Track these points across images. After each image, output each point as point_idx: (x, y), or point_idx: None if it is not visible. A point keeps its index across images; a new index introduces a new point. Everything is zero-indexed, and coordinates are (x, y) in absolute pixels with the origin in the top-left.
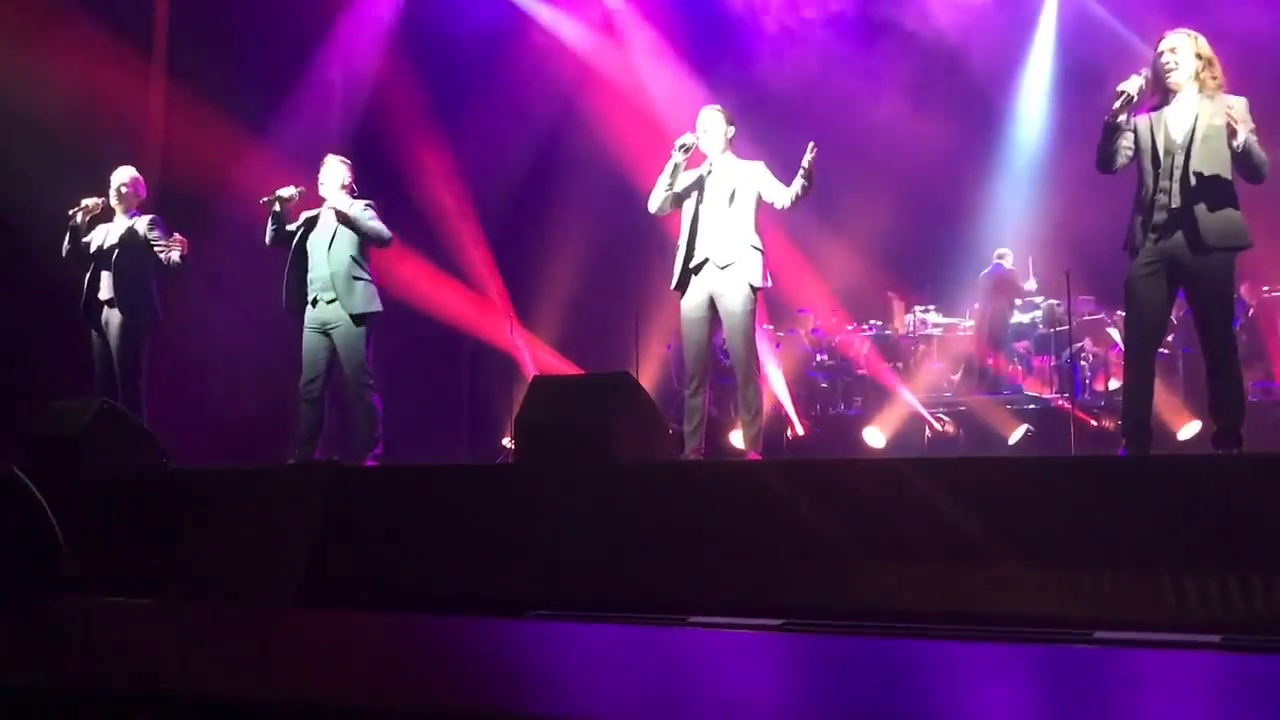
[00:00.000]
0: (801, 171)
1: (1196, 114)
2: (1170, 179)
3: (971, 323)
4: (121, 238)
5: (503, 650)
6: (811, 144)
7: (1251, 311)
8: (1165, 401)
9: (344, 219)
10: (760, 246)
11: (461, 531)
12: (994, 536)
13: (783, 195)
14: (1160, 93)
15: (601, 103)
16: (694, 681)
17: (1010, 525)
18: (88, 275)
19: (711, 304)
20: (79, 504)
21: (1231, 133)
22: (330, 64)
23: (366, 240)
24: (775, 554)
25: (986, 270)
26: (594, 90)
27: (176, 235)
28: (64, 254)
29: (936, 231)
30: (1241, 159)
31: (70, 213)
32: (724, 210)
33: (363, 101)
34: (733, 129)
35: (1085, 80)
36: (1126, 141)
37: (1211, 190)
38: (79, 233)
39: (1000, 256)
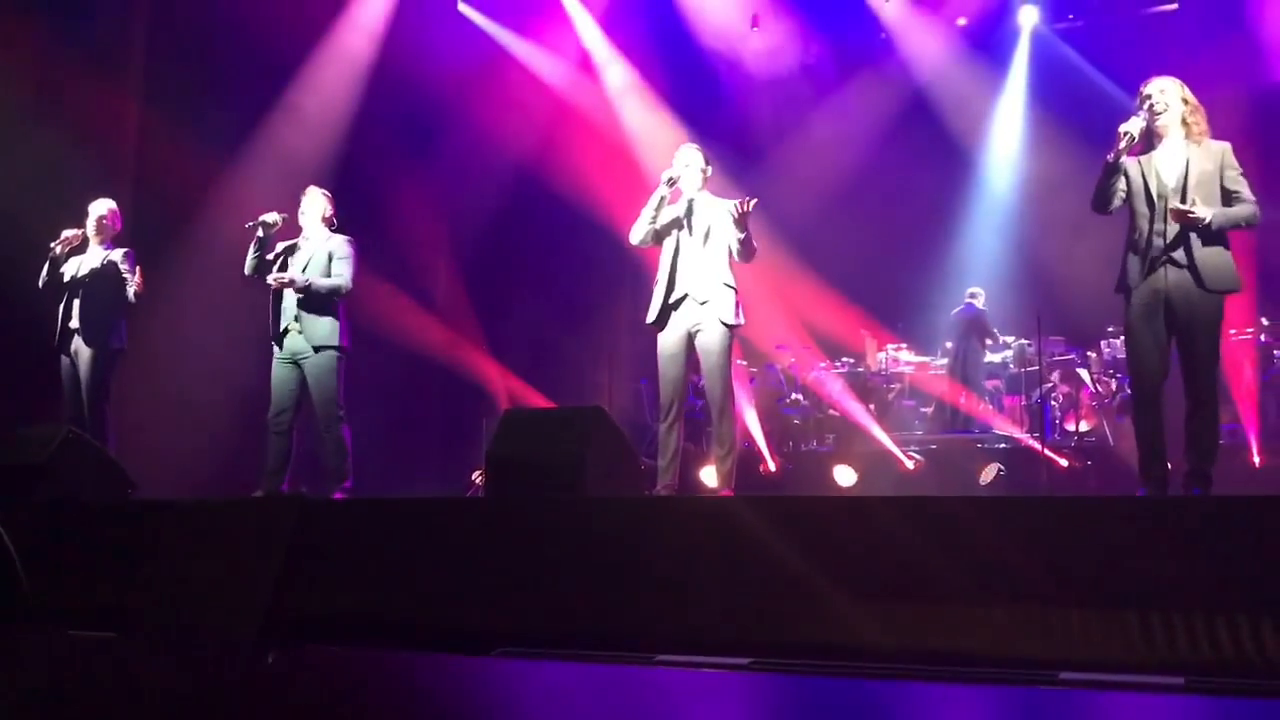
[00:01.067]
0: (734, 220)
1: (1187, 159)
2: (1165, 222)
3: (944, 361)
4: (94, 269)
5: (469, 688)
6: (751, 199)
7: None
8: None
9: (304, 289)
10: (733, 284)
11: (429, 566)
12: (963, 576)
13: (735, 248)
14: (1146, 137)
15: (577, 139)
16: None
17: (979, 565)
18: (61, 304)
19: (689, 340)
20: (41, 534)
21: (1196, 220)
22: (307, 94)
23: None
24: (745, 591)
25: (958, 309)
26: (570, 126)
27: (137, 270)
28: (41, 285)
29: (910, 271)
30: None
31: (51, 245)
32: (700, 248)
33: (339, 132)
34: (710, 168)
35: (1057, 125)
36: (1122, 183)
37: (1205, 234)
38: (58, 264)
39: (972, 296)
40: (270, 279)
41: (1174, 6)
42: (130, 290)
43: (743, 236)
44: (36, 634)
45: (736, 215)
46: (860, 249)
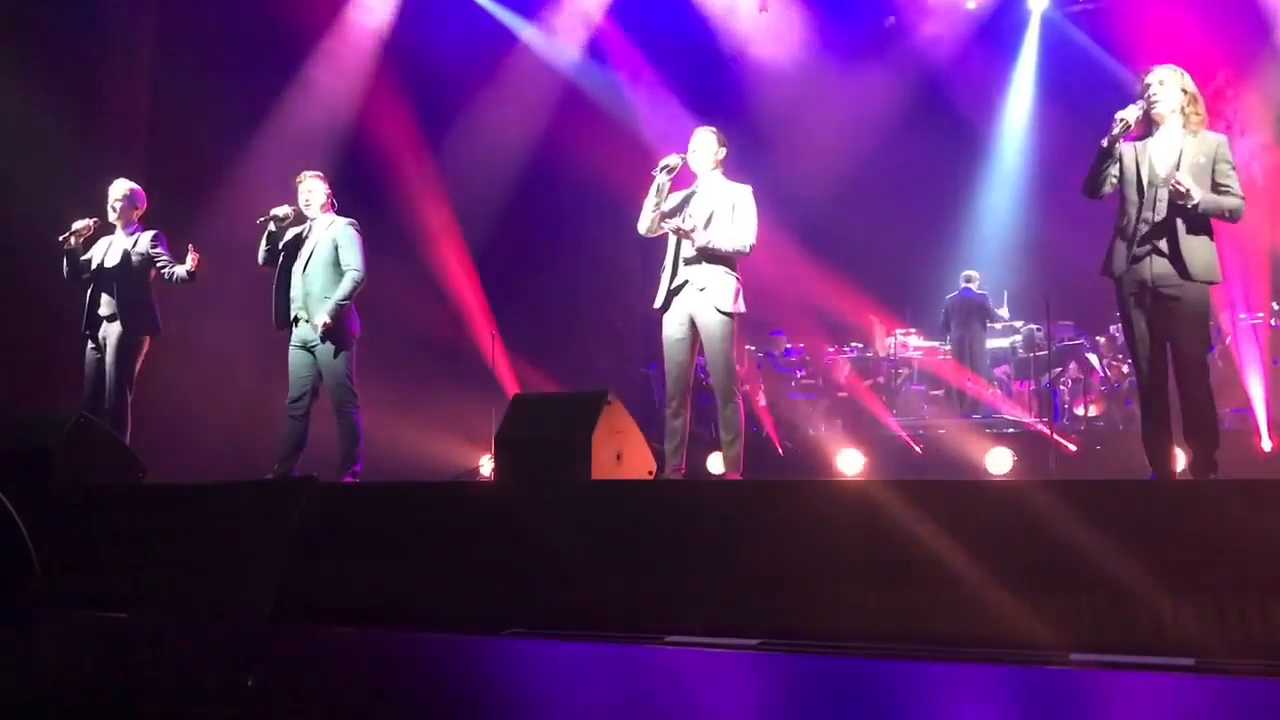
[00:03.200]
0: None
1: (1181, 149)
2: (1153, 210)
3: (948, 346)
4: (123, 254)
5: (479, 668)
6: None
7: (1228, 339)
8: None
9: (336, 315)
10: (734, 272)
11: (439, 548)
12: (972, 559)
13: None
14: (1144, 124)
15: (585, 123)
16: (670, 701)
17: (987, 548)
18: (89, 292)
19: (693, 325)
20: (53, 517)
21: (1184, 195)
22: (317, 78)
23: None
24: (753, 573)
25: (954, 294)
26: (578, 110)
27: (191, 248)
28: (65, 277)
29: (918, 256)
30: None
31: (60, 239)
32: (701, 233)
33: (349, 116)
34: (724, 150)
35: (1067, 109)
36: (1114, 169)
37: (1192, 224)
38: (75, 255)
39: (968, 280)
40: (317, 330)
41: None
42: (182, 269)
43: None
44: (49, 616)
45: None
46: (869, 234)
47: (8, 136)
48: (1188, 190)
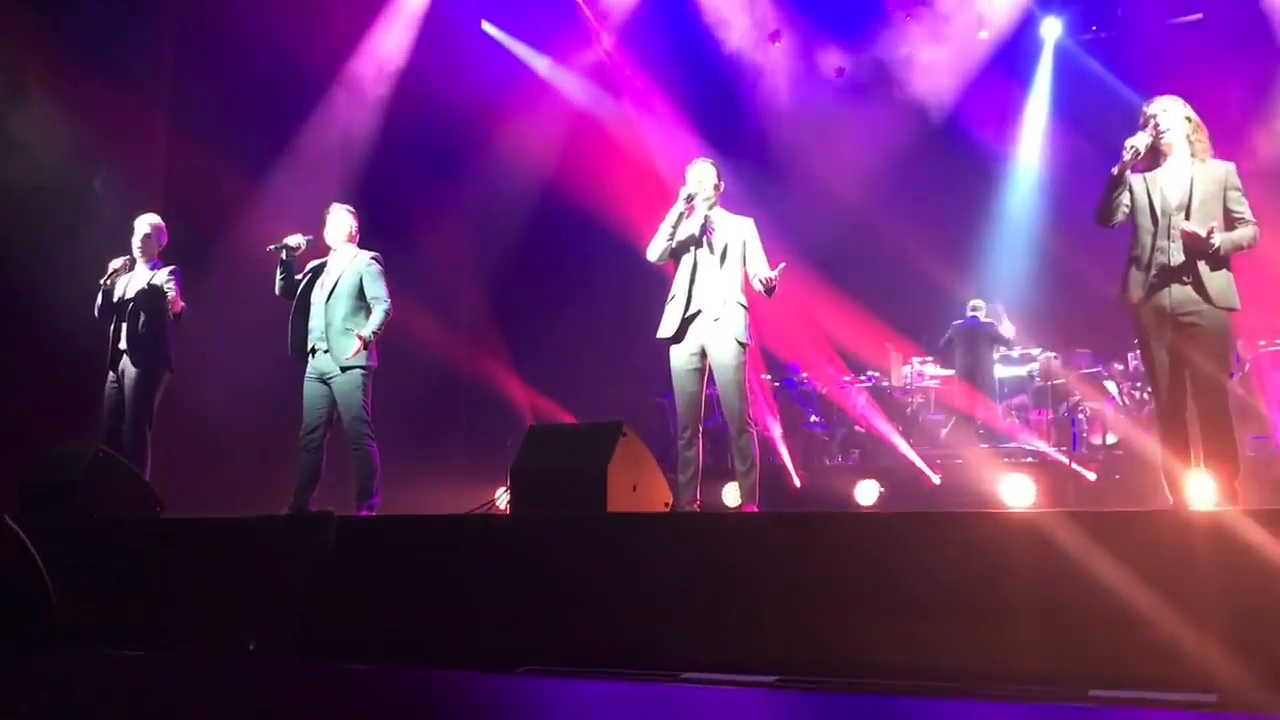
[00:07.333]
0: (763, 282)
1: (1192, 177)
2: (1168, 239)
3: (956, 372)
4: (140, 289)
5: (494, 707)
6: (782, 264)
7: (1247, 366)
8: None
9: (369, 342)
10: (745, 303)
11: (455, 583)
12: (989, 592)
13: (754, 279)
14: (1151, 155)
15: (600, 155)
16: None
17: (1006, 580)
18: (111, 327)
19: (704, 355)
20: (70, 553)
21: (1204, 241)
22: (333, 114)
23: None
24: (770, 608)
25: (960, 321)
26: (593, 142)
27: (177, 295)
28: (97, 314)
29: (933, 284)
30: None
31: (101, 281)
32: (717, 266)
33: (366, 150)
34: (723, 183)
35: (1082, 137)
36: (1126, 198)
37: (1208, 251)
38: (111, 293)
39: (974, 309)
40: (346, 359)
41: (1198, 17)
42: (173, 310)
43: (765, 292)
44: (65, 653)
45: (764, 285)
46: (884, 263)
47: (28, 176)
48: (1208, 235)
